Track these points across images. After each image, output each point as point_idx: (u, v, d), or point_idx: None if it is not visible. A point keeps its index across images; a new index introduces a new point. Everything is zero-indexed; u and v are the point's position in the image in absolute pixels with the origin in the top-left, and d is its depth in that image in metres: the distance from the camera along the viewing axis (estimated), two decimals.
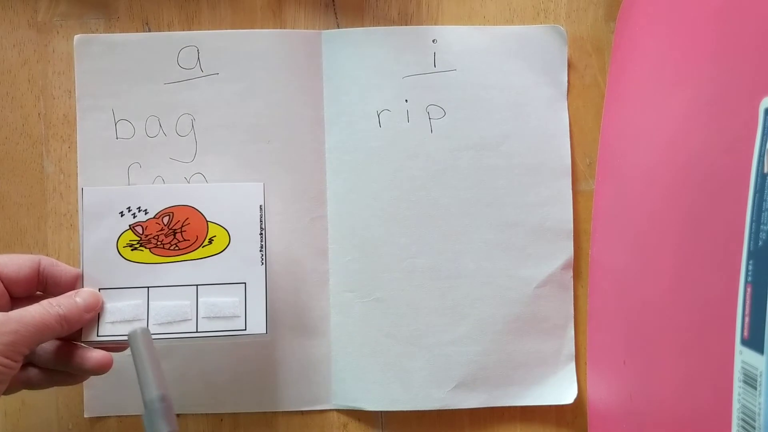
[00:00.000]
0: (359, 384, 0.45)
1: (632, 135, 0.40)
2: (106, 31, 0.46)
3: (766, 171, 0.25)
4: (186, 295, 0.39)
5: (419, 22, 0.46)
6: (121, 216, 0.40)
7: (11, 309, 0.36)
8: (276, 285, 0.44)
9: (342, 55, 0.46)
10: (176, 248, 0.40)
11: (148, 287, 0.39)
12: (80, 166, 0.45)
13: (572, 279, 0.46)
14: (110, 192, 0.40)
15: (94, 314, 0.38)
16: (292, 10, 0.46)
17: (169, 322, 0.39)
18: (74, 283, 0.39)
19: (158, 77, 0.45)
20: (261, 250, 0.40)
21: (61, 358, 0.37)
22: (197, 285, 0.39)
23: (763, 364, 0.24)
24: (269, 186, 0.44)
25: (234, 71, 0.45)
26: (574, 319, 0.46)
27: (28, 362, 0.38)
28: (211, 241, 0.40)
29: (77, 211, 0.45)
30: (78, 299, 0.37)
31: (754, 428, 0.24)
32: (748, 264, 0.25)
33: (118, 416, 0.45)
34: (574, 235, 0.46)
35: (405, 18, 0.46)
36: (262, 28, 0.46)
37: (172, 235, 0.40)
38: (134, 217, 0.40)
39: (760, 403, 0.24)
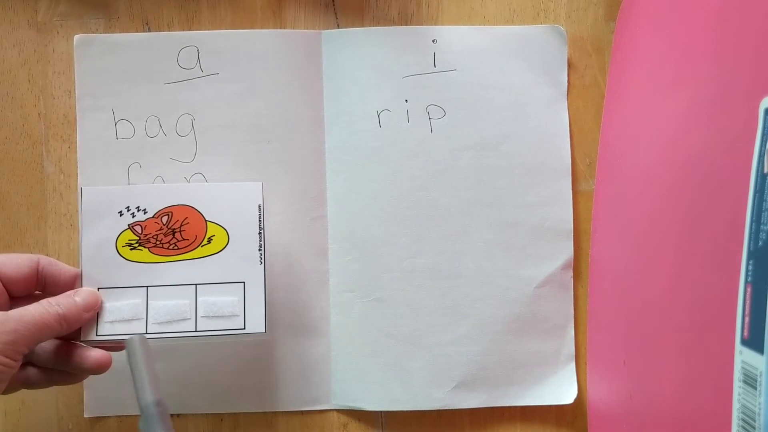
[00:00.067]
0: (359, 384, 0.45)
1: (632, 135, 0.40)
2: (106, 31, 0.46)
3: (766, 171, 0.25)
4: (185, 295, 0.39)
5: (419, 22, 0.46)
6: (120, 215, 0.40)
7: (10, 308, 0.36)
8: (276, 285, 0.44)
9: (342, 55, 0.46)
10: (175, 248, 0.40)
11: (147, 286, 0.39)
12: (80, 166, 0.45)
13: (572, 279, 0.46)
14: (109, 192, 0.40)
15: (93, 313, 0.38)
16: (292, 10, 0.46)
17: (168, 322, 0.39)
18: (73, 282, 0.39)
19: (158, 77, 0.45)
20: (260, 250, 0.40)
21: (60, 357, 0.37)
22: (196, 284, 0.39)
23: (763, 364, 0.24)
24: (269, 186, 0.44)
25: (234, 71, 0.45)
26: (574, 319, 0.46)
27: (28, 361, 0.38)
28: (210, 240, 0.40)
29: (77, 211, 0.45)
30: (77, 298, 0.37)
31: (754, 428, 0.24)
32: (748, 264, 0.25)
33: (118, 416, 0.45)
34: (574, 235, 0.46)
35: (405, 18, 0.46)
36: (262, 28, 0.46)
37: (171, 234, 0.40)
38: (133, 217, 0.40)
39: (760, 403, 0.24)
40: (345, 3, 0.46)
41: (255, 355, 0.45)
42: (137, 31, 0.46)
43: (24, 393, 0.38)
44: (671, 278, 0.33)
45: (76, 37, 0.45)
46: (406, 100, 0.45)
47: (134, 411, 0.44)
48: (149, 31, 0.46)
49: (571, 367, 0.45)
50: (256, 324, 0.39)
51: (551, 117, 0.46)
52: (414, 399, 0.45)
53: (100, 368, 0.37)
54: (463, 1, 0.46)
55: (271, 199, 0.44)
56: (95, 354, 0.37)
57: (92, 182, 0.45)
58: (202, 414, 0.45)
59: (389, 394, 0.45)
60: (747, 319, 0.25)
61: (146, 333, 0.38)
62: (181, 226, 0.40)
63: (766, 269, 0.24)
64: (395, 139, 0.45)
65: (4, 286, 0.37)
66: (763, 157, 0.25)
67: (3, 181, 0.45)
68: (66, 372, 0.38)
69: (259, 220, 0.40)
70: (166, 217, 0.40)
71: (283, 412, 0.45)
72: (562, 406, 0.45)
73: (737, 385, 0.26)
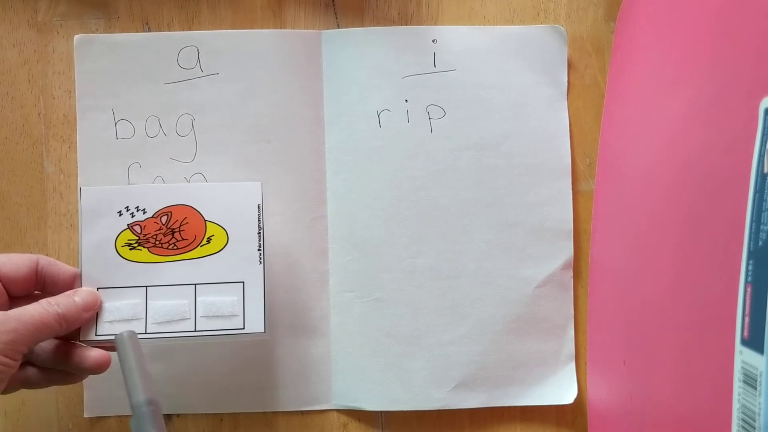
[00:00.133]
0: (359, 384, 0.45)
1: (632, 135, 0.40)
2: (106, 31, 0.46)
3: (766, 171, 0.25)
4: (184, 295, 0.39)
5: (419, 22, 0.46)
6: (120, 215, 0.40)
7: (10, 308, 0.36)
8: (276, 285, 0.44)
9: (342, 55, 0.46)
10: (174, 247, 0.40)
11: (146, 286, 0.39)
12: (80, 166, 0.45)
13: (572, 279, 0.46)
14: (109, 191, 0.40)
15: (93, 313, 0.38)
16: (292, 10, 0.46)
17: (168, 321, 0.39)
18: (73, 282, 0.39)
19: (158, 77, 0.45)
20: (259, 249, 0.40)
21: (59, 357, 0.37)
22: (195, 284, 0.39)
23: (763, 364, 0.24)
24: (269, 186, 0.44)
25: (234, 71, 0.45)
26: (574, 319, 0.46)
27: (27, 361, 0.38)
28: (209, 240, 0.40)
29: (77, 211, 0.45)
30: (76, 298, 0.37)
31: (754, 428, 0.24)
32: (748, 264, 0.25)
33: (118, 416, 0.45)
34: (574, 235, 0.46)
35: (405, 18, 0.46)
36: (262, 28, 0.46)
37: (170, 234, 0.40)
38: (132, 217, 0.40)
39: (760, 403, 0.24)
40: (345, 3, 0.46)
41: (255, 355, 0.45)
42: (137, 31, 0.46)
43: (24, 393, 0.38)
44: (671, 278, 0.33)
45: (76, 37, 0.45)
46: (406, 100, 0.45)
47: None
48: (149, 31, 0.46)
49: (571, 367, 0.45)
50: (255, 324, 0.39)
51: (551, 117, 0.46)
52: (414, 399, 0.45)
53: (100, 368, 0.37)
54: (463, 1, 0.46)
55: (271, 199, 0.44)
56: (94, 354, 0.37)
57: (92, 182, 0.45)
58: (201, 414, 0.45)
59: (389, 394, 0.45)
60: (747, 319, 0.25)
61: (145, 333, 0.38)
62: (181, 226, 0.40)
63: (766, 269, 0.24)
64: (395, 139, 0.45)
65: (4, 286, 0.37)
66: (763, 157, 0.25)
67: (3, 181, 0.45)
68: (65, 372, 0.38)
69: (259, 220, 0.40)
70: (166, 217, 0.40)
71: (283, 412, 0.45)
72: (562, 406, 0.45)
73: (737, 385, 0.26)
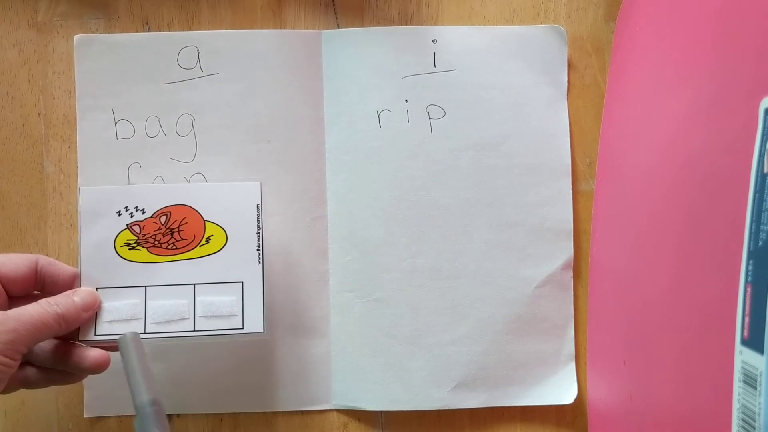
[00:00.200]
0: (359, 384, 0.45)
1: (632, 135, 0.40)
2: (106, 31, 0.46)
3: (766, 171, 0.25)
4: (183, 294, 0.39)
5: (419, 22, 0.46)
6: (119, 215, 0.40)
7: (9, 308, 0.36)
8: (276, 285, 0.44)
9: (342, 55, 0.46)
10: (173, 247, 0.40)
11: (145, 286, 0.39)
12: (80, 166, 0.45)
13: (572, 279, 0.46)
14: (108, 191, 0.40)
15: (92, 313, 0.38)
16: (292, 10, 0.46)
17: (167, 321, 0.39)
18: (72, 282, 0.39)
19: (158, 77, 0.45)
20: (258, 249, 0.40)
21: (58, 357, 0.37)
22: (194, 284, 0.39)
23: (763, 364, 0.24)
24: (269, 186, 0.44)
25: (234, 71, 0.45)
26: (574, 319, 0.45)
27: (26, 361, 0.38)
28: (208, 240, 0.40)
29: (77, 211, 0.45)
30: (76, 298, 0.37)
31: (754, 428, 0.24)
32: (748, 264, 0.25)
33: (118, 416, 0.45)
34: (574, 235, 0.45)
35: (405, 18, 0.46)
36: (262, 28, 0.46)
37: (169, 234, 0.40)
38: (132, 217, 0.40)
39: (760, 403, 0.24)
40: (345, 3, 0.46)
41: (255, 355, 0.45)
42: (137, 31, 0.46)
43: (24, 393, 0.38)
44: (671, 278, 0.33)
45: (76, 37, 0.45)
46: (406, 100, 0.45)
47: (134, 411, 0.44)
48: (149, 31, 0.46)
49: (571, 367, 0.45)
50: (254, 324, 0.39)
51: (551, 117, 0.46)
52: (414, 399, 0.45)
53: (99, 368, 0.37)
54: (463, 1, 0.46)
55: (271, 199, 0.44)
56: (94, 354, 0.37)
57: (92, 182, 0.45)
58: (201, 414, 0.45)
59: (389, 394, 0.45)
60: (747, 319, 0.25)
61: (144, 333, 0.38)
62: (180, 225, 0.40)
63: (766, 269, 0.24)
64: (395, 139, 0.45)
65: (3, 286, 0.37)
66: (763, 157, 0.25)
67: (3, 181, 0.45)
68: (65, 372, 0.38)
69: (258, 220, 0.40)
70: (165, 217, 0.40)
71: (283, 412, 0.45)
72: (562, 406, 0.45)
73: (737, 385, 0.26)
